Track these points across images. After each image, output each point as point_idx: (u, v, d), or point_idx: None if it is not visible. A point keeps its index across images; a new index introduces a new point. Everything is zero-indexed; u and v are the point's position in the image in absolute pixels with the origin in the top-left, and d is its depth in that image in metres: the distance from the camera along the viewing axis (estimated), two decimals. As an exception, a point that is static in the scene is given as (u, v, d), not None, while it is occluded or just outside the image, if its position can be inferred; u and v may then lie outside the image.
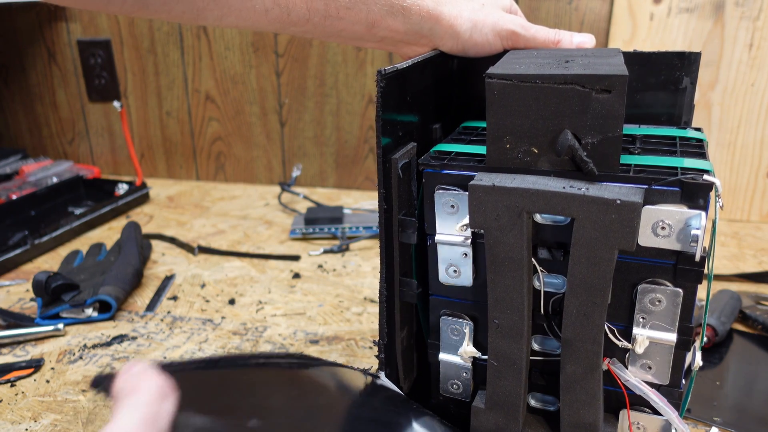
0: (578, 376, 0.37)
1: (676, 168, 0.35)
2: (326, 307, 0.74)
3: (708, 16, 0.89)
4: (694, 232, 0.33)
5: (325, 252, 0.90)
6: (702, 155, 0.37)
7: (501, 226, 0.36)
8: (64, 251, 0.92)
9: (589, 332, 0.36)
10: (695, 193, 0.33)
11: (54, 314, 0.71)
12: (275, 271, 0.84)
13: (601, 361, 0.37)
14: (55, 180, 1.15)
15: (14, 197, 1.04)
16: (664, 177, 0.34)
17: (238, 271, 0.85)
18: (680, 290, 0.35)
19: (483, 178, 0.36)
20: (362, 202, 1.10)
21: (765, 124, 0.91)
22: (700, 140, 0.40)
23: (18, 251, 0.87)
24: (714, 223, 0.36)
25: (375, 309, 0.73)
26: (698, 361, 0.38)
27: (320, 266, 0.85)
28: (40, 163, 1.23)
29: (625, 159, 0.37)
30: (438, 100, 0.49)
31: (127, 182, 1.14)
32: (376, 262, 0.86)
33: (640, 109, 0.46)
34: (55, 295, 0.72)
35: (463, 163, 0.39)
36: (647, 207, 0.33)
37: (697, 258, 0.33)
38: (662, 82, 0.44)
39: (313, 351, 0.65)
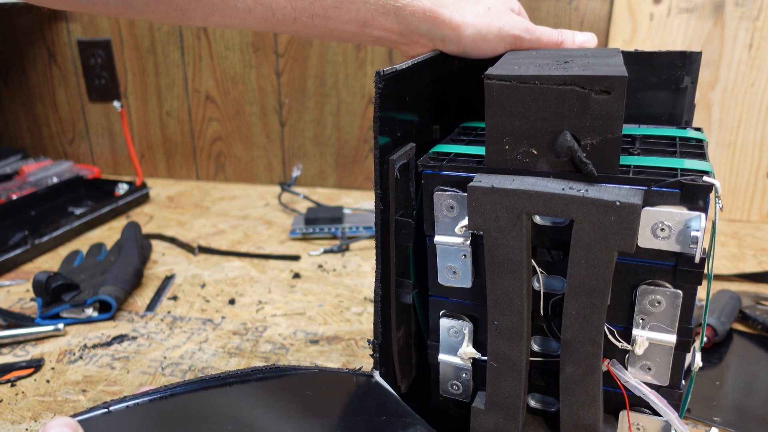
0: (578, 378, 0.37)
1: (675, 169, 0.35)
2: (326, 307, 0.74)
3: (708, 16, 0.89)
4: (693, 233, 0.33)
5: (325, 252, 0.90)
6: (702, 156, 0.37)
7: (500, 228, 0.35)
8: (64, 251, 0.92)
9: (588, 333, 0.36)
10: (695, 194, 0.33)
11: (54, 314, 0.71)
12: (275, 271, 0.84)
13: (601, 362, 0.37)
14: (55, 180, 1.15)
15: (14, 197, 1.04)
16: (663, 178, 0.34)
17: (238, 271, 0.85)
18: (680, 292, 0.35)
19: (482, 180, 0.36)
20: (362, 202, 1.10)
21: (765, 124, 0.91)
22: (700, 140, 0.40)
23: (18, 251, 0.87)
24: (714, 224, 0.36)
25: (375, 309, 0.73)
26: (698, 362, 0.38)
27: (320, 266, 0.85)
28: (40, 163, 1.24)
29: (625, 160, 0.37)
30: (437, 100, 0.49)
31: (127, 182, 1.14)
32: (376, 262, 0.86)
33: (640, 109, 0.46)
34: (56, 295, 0.72)
35: (462, 164, 0.39)
36: (647, 208, 0.33)
37: (697, 259, 0.33)
38: (663, 82, 0.44)
39: (313, 351, 0.65)
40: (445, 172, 0.39)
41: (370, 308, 0.74)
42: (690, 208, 0.33)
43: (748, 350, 0.63)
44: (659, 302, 0.36)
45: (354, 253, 0.89)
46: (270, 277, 0.83)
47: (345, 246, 0.90)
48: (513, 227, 0.35)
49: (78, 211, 1.01)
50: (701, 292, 0.73)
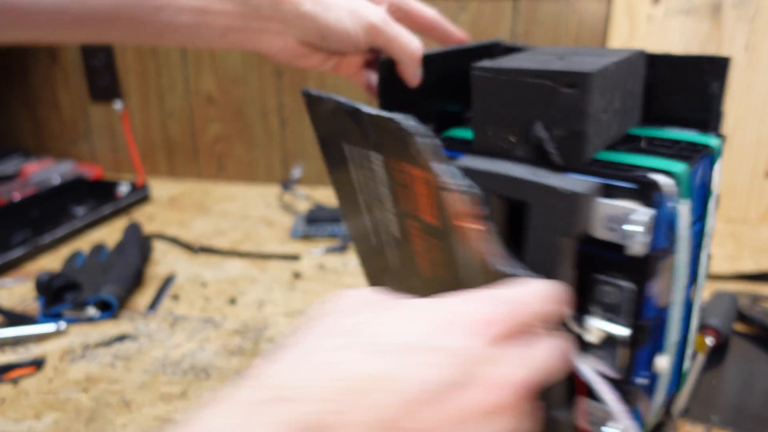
0: None
1: (646, 167, 0.36)
2: (326, 306, 0.75)
3: (705, 18, 0.89)
4: (631, 227, 0.33)
5: (326, 252, 0.90)
6: (687, 158, 0.37)
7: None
8: (66, 251, 0.93)
9: None
10: (644, 191, 0.34)
11: (56, 313, 0.72)
12: (276, 271, 0.85)
13: None
14: (57, 180, 1.15)
15: (17, 197, 1.05)
16: (622, 173, 0.35)
17: (239, 270, 0.85)
18: (631, 285, 0.36)
19: (464, 160, 0.39)
20: (362, 203, 1.10)
21: (762, 124, 0.91)
22: (707, 146, 0.40)
23: (21, 251, 0.88)
24: (678, 223, 0.36)
25: (375, 309, 0.74)
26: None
27: (321, 266, 0.86)
28: (42, 163, 1.24)
29: (607, 155, 0.38)
30: (440, 100, 0.50)
31: (128, 182, 1.14)
32: (376, 262, 0.87)
33: (670, 113, 0.45)
34: (58, 295, 0.73)
35: (456, 146, 0.42)
36: (600, 200, 0.35)
37: (638, 254, 0.34)
38: (692, 87, 0.43)
39: (313, 350, 0.65)
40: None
41: (370, 308, 0.74)
42: (643, 204, 0.34)
43: (746, 350, 0.63)
44: (611, 294, 0.37)
45: (354, 253, 0.90)
46: (271, 276, 0.83)
47: (346, 246, 0.91)
48: (487, 204, 0.38)
49: (80, 211, 1.01)
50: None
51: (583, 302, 0.38)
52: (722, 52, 0.89)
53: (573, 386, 0.39)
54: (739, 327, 0.67)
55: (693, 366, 0.58)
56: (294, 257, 0.89)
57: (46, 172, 1.20)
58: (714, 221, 0.41)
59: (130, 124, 1.26)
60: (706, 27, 0.90)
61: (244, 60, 1.15)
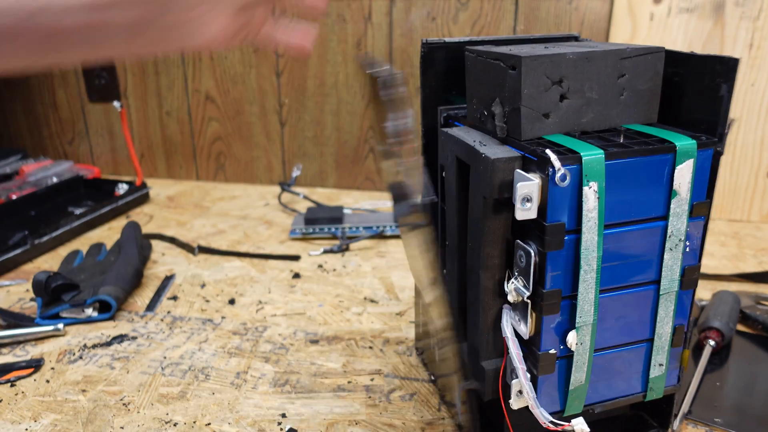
0: (471, 302, 0.44)
1: (568, 148, 0.38)
2: (326, 307, 0.74)
3: (708, 16, 0.89)
4: (517, 191, 0.36)
5: (325, 252, 0.90)
6: (619, 145, 0.38)
7: (448, 164, 0.45)
8: (64, 251, 0.92)
9: (476, 263, 0.41)
10: (540, 164, 0.36)
11: (54, 314, 0.71)
12: (275, 271, 0.84)
13: (485, 294, 0.41)
14: (55, 180, 1.15)
15: (14, 197, 1.04)
16: (534, 148, 0.37)
17: (238, 271, 0.85)
18: (534, 253, 0.38)
19: (452, 129, 0.46)
20: (362, 202, 1.10)
21: (765, 123, 0.91)
22: (672, 143, 0.38)
23: (18, 251, 0.87)
24: (586, 205, 0.37)
25: (375, 309, 0.73)
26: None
27: (320, 266, 0.85)
28: (40, 163, 1.23)
29: (556, 138, 0.40)
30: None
31: (127, 182, 1.14)
32: (376, 261, 0.86)
33: (683, 114, 0.44)
34: (55, 295, 0.72)
35: (461, 117, 0.49)
36: (517, 170, 0.38)
37: (519, 217, 0.37)
38: (704, 88, 0.42)
39: (313, 351, 0.65)
40: (453, 121, 0.49)
41: (370, 308, 0.74)
42: (540, 177, 0.37)
43: (748, 350, 0.63)
44: (523, 258, 0.39)
45: (354, 253, 0.89)
46: (270, 277, 0.83)
47: (345, 246, 0.90)
48: (451, 165, 0.44)
49: (78, 211, 1.01)
50: (703, 293, 0.73)
51: (511, 264, 0.41)
52: (725, 51, 0.89)
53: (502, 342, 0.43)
54: (741, 327, 0.67)
55: (693, 374, 0.57)
56: (293, 257, 0.88)
57: (43, 171, 1.20)
58: (684, 225, 0.40)
59: (129, 124, 1.26)
60: (708, 25, 0.89)
61: (243, 59, 1.15)
